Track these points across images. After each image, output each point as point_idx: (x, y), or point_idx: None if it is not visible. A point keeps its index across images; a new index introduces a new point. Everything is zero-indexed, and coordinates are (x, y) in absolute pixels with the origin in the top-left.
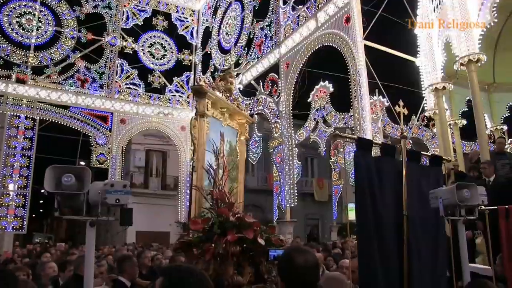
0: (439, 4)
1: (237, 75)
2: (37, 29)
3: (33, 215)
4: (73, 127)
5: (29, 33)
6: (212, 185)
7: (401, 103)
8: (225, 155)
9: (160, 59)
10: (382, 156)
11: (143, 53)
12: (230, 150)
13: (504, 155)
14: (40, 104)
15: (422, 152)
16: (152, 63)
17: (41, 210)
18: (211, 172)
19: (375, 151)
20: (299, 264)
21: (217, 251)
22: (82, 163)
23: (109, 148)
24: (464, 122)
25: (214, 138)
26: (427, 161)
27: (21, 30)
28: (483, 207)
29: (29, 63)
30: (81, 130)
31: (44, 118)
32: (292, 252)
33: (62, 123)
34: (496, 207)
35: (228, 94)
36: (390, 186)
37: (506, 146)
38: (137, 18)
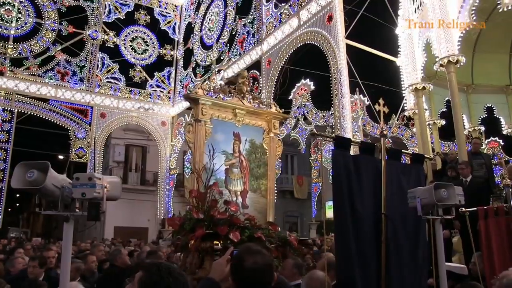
0: (420, 5)
1: (219, 71)
2: (17, 20)
3: (9, 209)
4: (52, 121)
5: (8, 24)
6: (198, 186)
7: (381, 101)
8: (242, 154)
9: (142, 53)
10: (361, 154)
11: (125, 47)
12: (253, 148)
13: (480, 155)
14: (19, 96)
15: (403, 151)
16: (134, 58)
17: (18, 204)
18: (208, 171)
19: (354, 150)
20: (248, 267)
21: (180, 246)
22: (61, 157)
23: (88, 142)
24: (443, 122)
25: (223, 140)
26: (408, 159)
27: (0, 21)
28: (463, 208)
29: (7, 55)
30: (61, 124)
31: (23, 111)
32: (242, 254)
33: (41, 116)
34: (476, 208)
35: (242, 95)
36: (369, 185)
37: (482, 147)
38: (119, 12)
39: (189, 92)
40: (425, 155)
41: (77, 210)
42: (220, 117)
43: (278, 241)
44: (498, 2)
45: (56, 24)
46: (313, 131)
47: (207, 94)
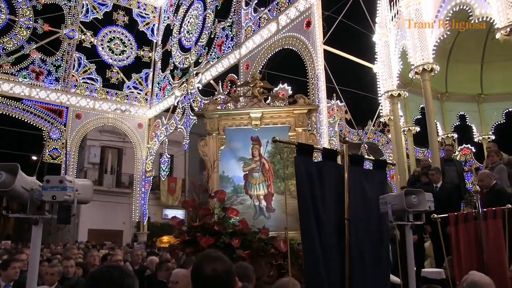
0: (397, 13)
1: (197, 74)
2: None
3: None
4: (26, 121)
5: None
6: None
7: (344, 107)
8: (263, 157)
9: (119, 54)
10: (324, 160)
11: (102, 48)
12: (277, 149)
13: (452, 162)
14: None
15: (365, 156)
16: (111, 58)
17: None
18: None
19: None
20: (207, 274)
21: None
22: (34, 157)
23: (63, 143)
24: (418, 129)
25: (242, 147)
26: (371, 165)
27: None
28: (435, 215)
29: None
30: (34, 124)
31: None
32: (201, 261)
33: (14, 116)
34: (447, 214)
35: (256, 100)
36: (332, 191)
37: (455, 154)
38: (97, 11)
39: (198, 109)
40: (388, 161)
41: (46, 213)
42: (234, 125)
43: (265, 246)
44: (470, 13)
45: (31, 22)
46: (275, 138)
47: (217, 107)
